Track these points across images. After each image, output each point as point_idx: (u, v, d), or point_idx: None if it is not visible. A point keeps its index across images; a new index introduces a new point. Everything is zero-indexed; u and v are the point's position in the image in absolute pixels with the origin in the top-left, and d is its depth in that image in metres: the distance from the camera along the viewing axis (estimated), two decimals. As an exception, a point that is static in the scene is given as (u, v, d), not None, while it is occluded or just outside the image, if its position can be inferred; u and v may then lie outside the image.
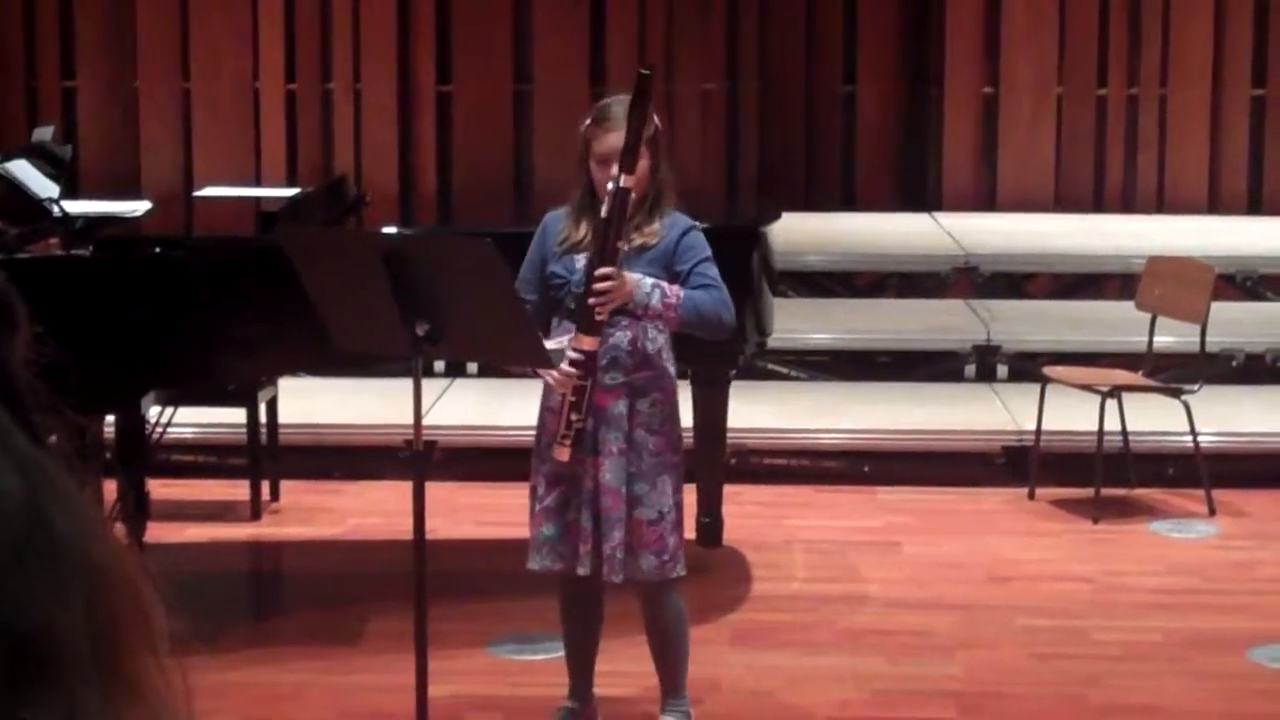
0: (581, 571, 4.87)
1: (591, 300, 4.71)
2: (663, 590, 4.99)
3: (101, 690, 0.90)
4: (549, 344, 4.77)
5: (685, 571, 5.06)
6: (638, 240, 4.83)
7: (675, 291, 4.78)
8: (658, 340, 4.90)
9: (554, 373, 4.75)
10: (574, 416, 4.73)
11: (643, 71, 4.81)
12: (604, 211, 4.71)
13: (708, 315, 4.81)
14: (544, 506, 4.92)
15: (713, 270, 4.85)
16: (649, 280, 4.77)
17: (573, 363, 4.72)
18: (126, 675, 0.92)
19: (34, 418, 0.94)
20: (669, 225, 4.86)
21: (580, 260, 4.80)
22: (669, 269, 4.83)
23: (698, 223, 4.96)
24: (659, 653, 5.11)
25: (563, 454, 4.76)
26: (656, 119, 4.90)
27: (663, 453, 4.90)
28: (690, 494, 6.68)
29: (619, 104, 4.82)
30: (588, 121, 4.90)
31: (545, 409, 4.94)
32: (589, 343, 4.73)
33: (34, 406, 0.95)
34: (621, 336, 4.84)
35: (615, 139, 4.74)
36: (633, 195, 4.71)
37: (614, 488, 4.84)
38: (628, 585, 4.95)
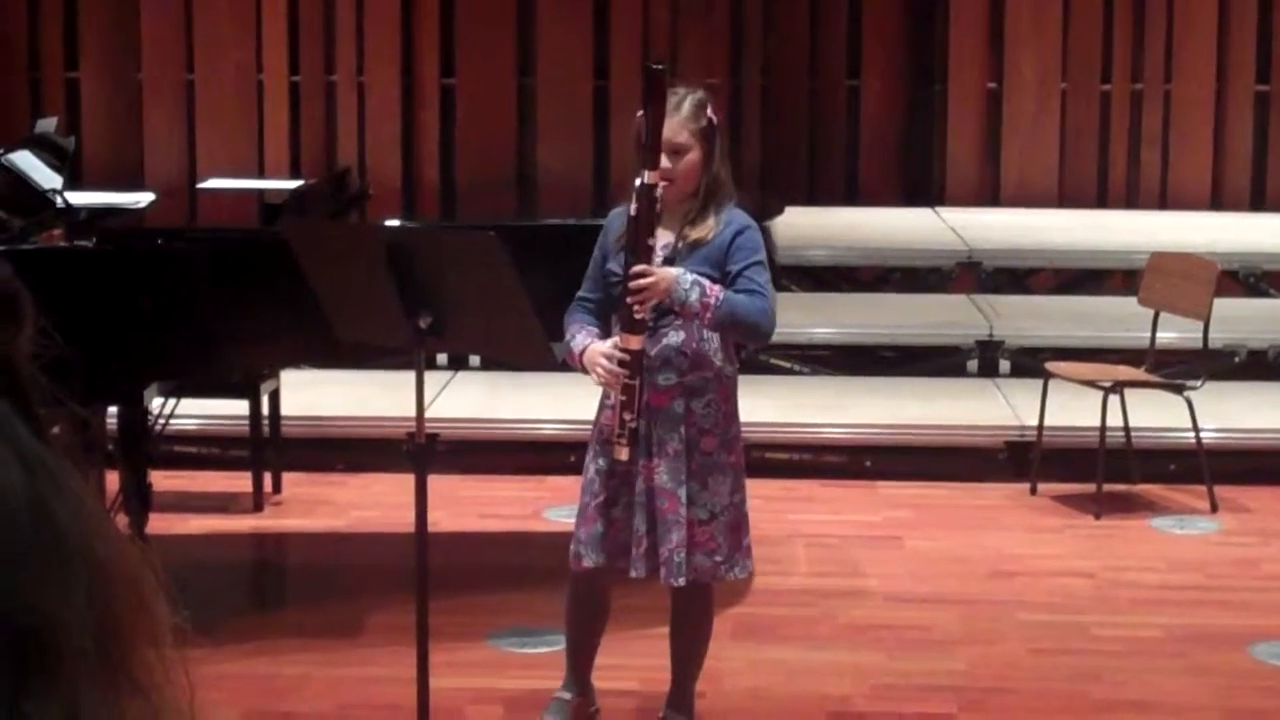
0: (635, 574, 4.84)
1: (629, 299, 4.68)
2: (699, 593, 4.96)
3: (104, 683, 0.90)
4: (604, 345, 4.72)
5: (742, 574, 5.01)
6: (691, 235, 4.77)
7: (715, 291, 4.70)
8: (713, 340, 4.82)
9: (599, 369, 4.71)
10: (627, 416, 4.68)
11: (654, 67, 4.78)
12: (632, 209, 4.68)
13: (744, 321, 4.73)
14: (598, 502, 4.86)
15: (762, 276, 4.76)
16: (690, 277, 4.70)
17: (620, 363, 4.69)
18: (128, 668, 0.92)
19: (38, 412, 0.94)
20: (726, 222, 4.78)
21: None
22: (720, 267, 4.75)
23: (754, 222, 4.87)
24: (679, 654, 5.07)
25: (622, 453, 4.71)
26: (712, 112, 4.82)
27: (715, 452, 4.84)
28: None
29: (675, 94, 4.76)
30: (639, 114, 4.81)
31: (604, 406, 4.89)
32: (634, 341, 4.68)
33: (38, 400, 0.95)
34: (674, 337, 4.79)
35: (667, 128, 4.68)
36: (660, 190, 4.67)
37: (670, 490, 4.79)
38: (634, 581, 4.93)
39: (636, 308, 4.66)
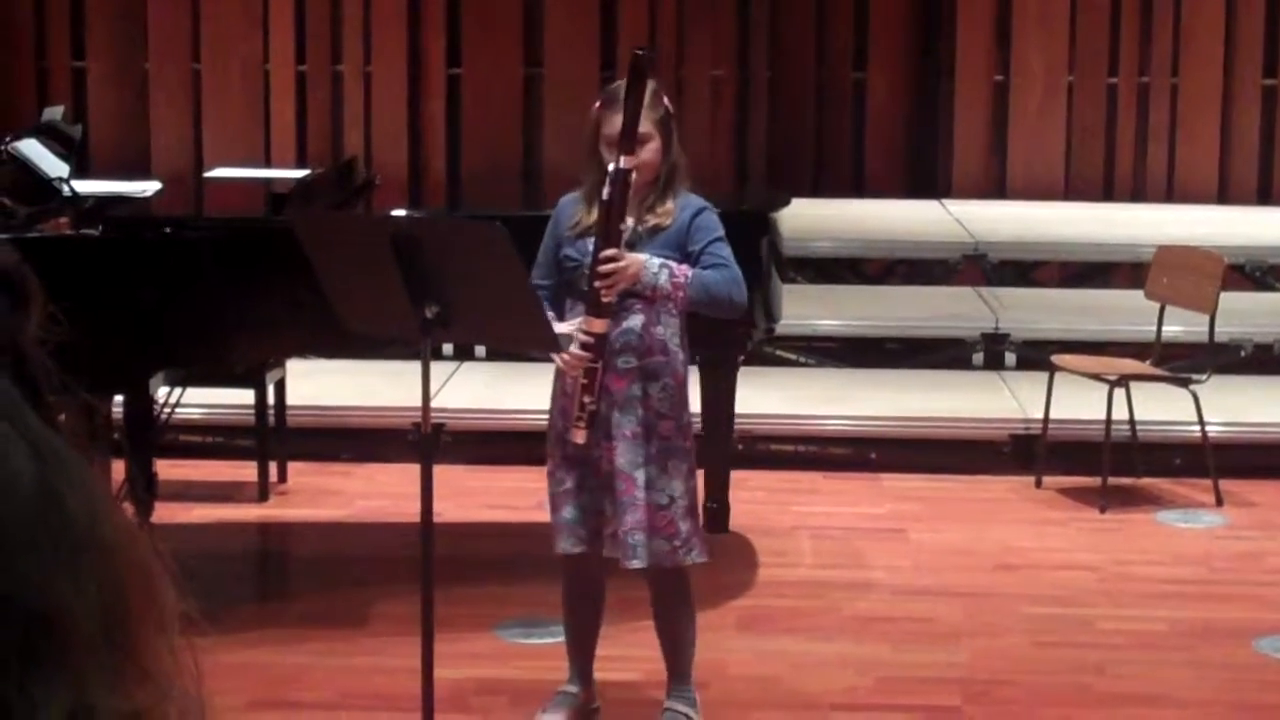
0: (608, 554, 4.88)
1: (597, 283, 4.72)
2: (672, 577, 4.99)
3: (112, 669, 0.90)
4: (563, 327, 4.77)
5: (704, 558, 5.04)
6: (651, 221, 4.84)
7: (684, 271, 4.79)
8: (670, 325, 4.90)
9: (565, 355, 4.76)
10: (587, 399, 4.75)
11: (637, 52, 4.85)
12: (605, 194, 4.72)
13: (717, 294, 4.81)
14: (564, 489, 4.92)
15: (725, 250, 4.85)
16: (656, 260, 4.78)
17: (583, 345, 4.74)
18: (136, 654, 0.92)
19: (47, 398, 0.94)
20: (682, 206, 4.87)
21: (592, 243, 4.81)
22: (682, 249, 4.83)
23: (708, 204, 4.96)
24: (666, 640, 5.11)
25: (579, 436, 4.78)
26: (668, 101, 4.91)
27: (672, 437, 4.91)
28: (697, 479, 6.70)
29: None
30: (598, 104, 4.90)
31: (559, 393, 4.94)
32: (599, 325, 4.74)
33: (47, 386, 0.95)
34: (634, 321, 4.85)
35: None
36: (634, 176, 4.73)
37: (627, 472, 4.85)
38: (633, 570, 4.95)
39: (604, 291, 4.70)
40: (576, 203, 4.92)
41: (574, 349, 4.76)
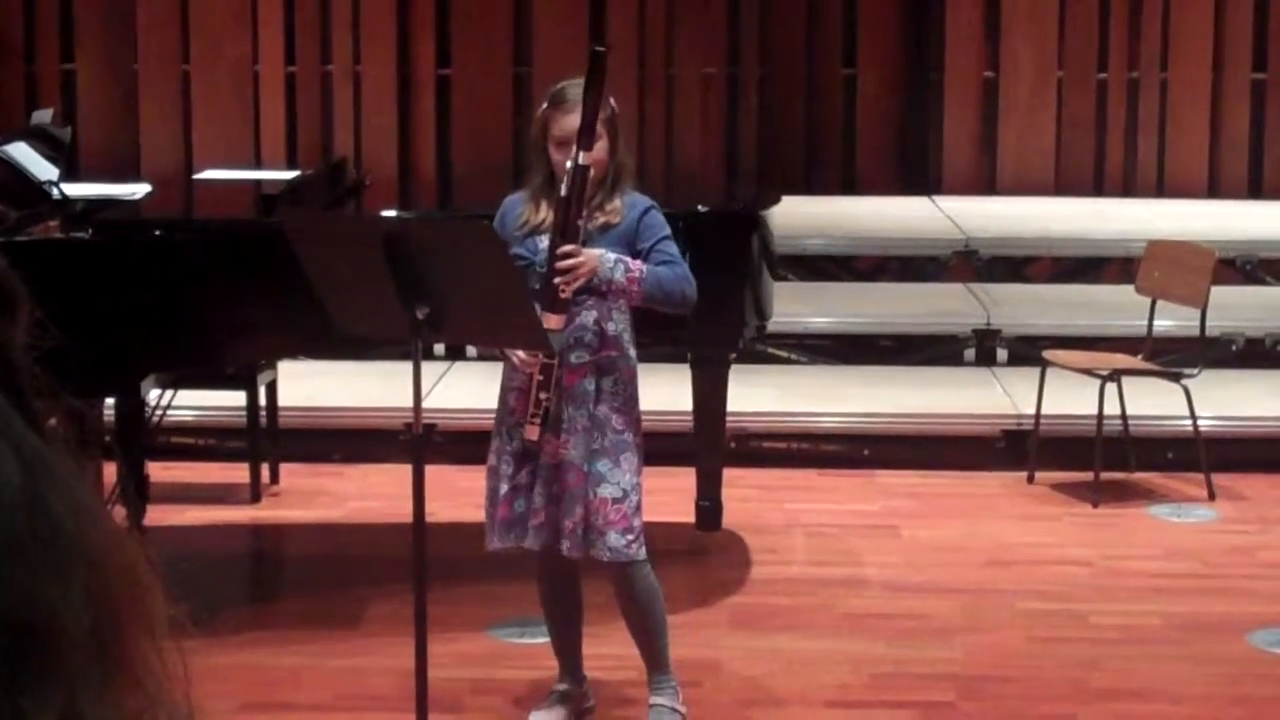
0: (528, 545, 4.90)
1: (556, 279, 4.76)
2: (633, 569, 5.00)
3: (101, 677, 0.90)
4: None
5: (644, 556, 5.05)
6: (600, 219, 4.90)
7: (638, 266, 4.85)
8: (620, 322, 4.95)
9: (519, 353, 4.80)
10: (543, 395, 4.80)
11: (597, 49, 4.88)
12: (563, 190, 4.77)
13: (670, 289, 4.87)
14: (515, 484, 4.93)
15: (673, 247, 4.94)
16: (611, 255, 4.83)
17: None
18: (124, 662, 0.92)
19: (34, 404, 0.94)
20: (630, 205, 4.94)
21: (543, 241, 4.85)
22: (631, 247, 4.90)
23: (654, 202, 5.02)
24: (637, 631, 5.11)
25: (532, 433, 4.83)
26: (613, 101, 4.96)
27: (625, 431, 4.94)
28: (689, 477, 6.72)
29: (575, 86, 4.89)
30: (544, 105, 4.94)
31: (509, 389, 4.96)
32: (555, 321, 4.79)
33: (34, 392, 0.94)
34: (587, 316, 4.90)
35: (572, 120, 4.82)
36: (592, 173, 4.75)
37: (576, 464, 4.88)
38: (607, 567, 4.96)
39: (563, 288, 4.74)
40: (523, 202, 4.97)
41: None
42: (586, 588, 5.19)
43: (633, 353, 5.01)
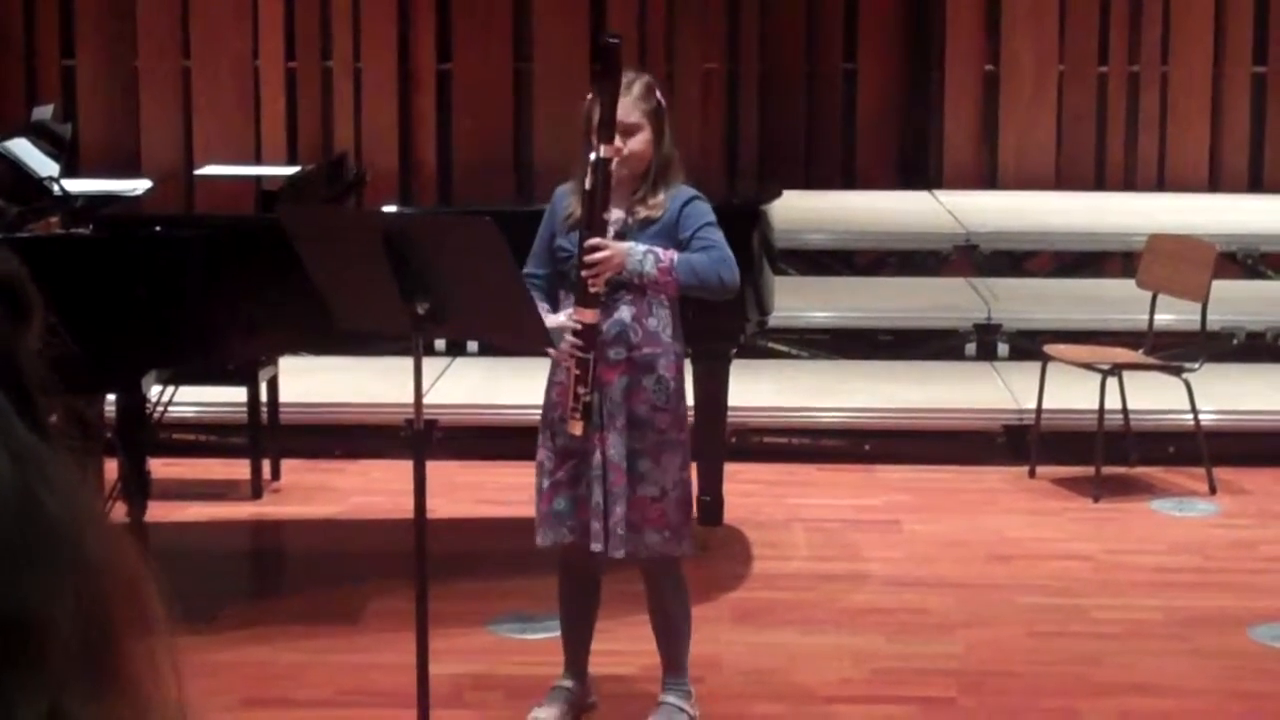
0: (596, 547, 4.87)
1: (583, 272, 4.72)
2: (666, 569, 4.99)
3: (90, 678, 0.89)
4: (558, 317, 4.77)
5: (692, 552, 5.05)
6: (642, 214, 4.84)
7: (669, 256, 4.78)
8: (661, 317, 4.89)
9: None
10: (580, 390, 4.74)
11: (609, 41, 4.84)
12: (587, 183, 4.73)
13: (705, 275, 4.79)
14: (555, 481, 4.91)
15: (715, 234, 4.84)
16: (641, 247, 4.77)
17: (574, 335, 4.74)
18: (116, 663, 0.91)
19: (39, 409, 0.94)
20: (673, 198, 4.86)
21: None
22: (673, 239, 4.83)
23: (700, 194, 4.95)
24: (661, 632, 5.10)
25: (576, 428, 4.77)
26: (660, 95, 4.90)
27: (667, 430, 4.90)
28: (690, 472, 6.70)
29: (625, 77, 4.83)
30: (590, 96, 4.89)
31: (553, 384, 4.93)
32: (588, 315, 4.75)
33: (40, 393, 0.94)
34: (625, 312, 4.84)
35: (622, 109, 4.75)
36: (614, 165, 4.72)
37: (616, 463, 4.84)
38: (628, 564, 4.95)
39: (591, 281, 4.70)
40: (571, 194, 4.91)
41: (567, 339, 4.76)
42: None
43: (678, 348, 4.95)
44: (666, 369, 4.91)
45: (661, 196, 4.86)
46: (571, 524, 4.91)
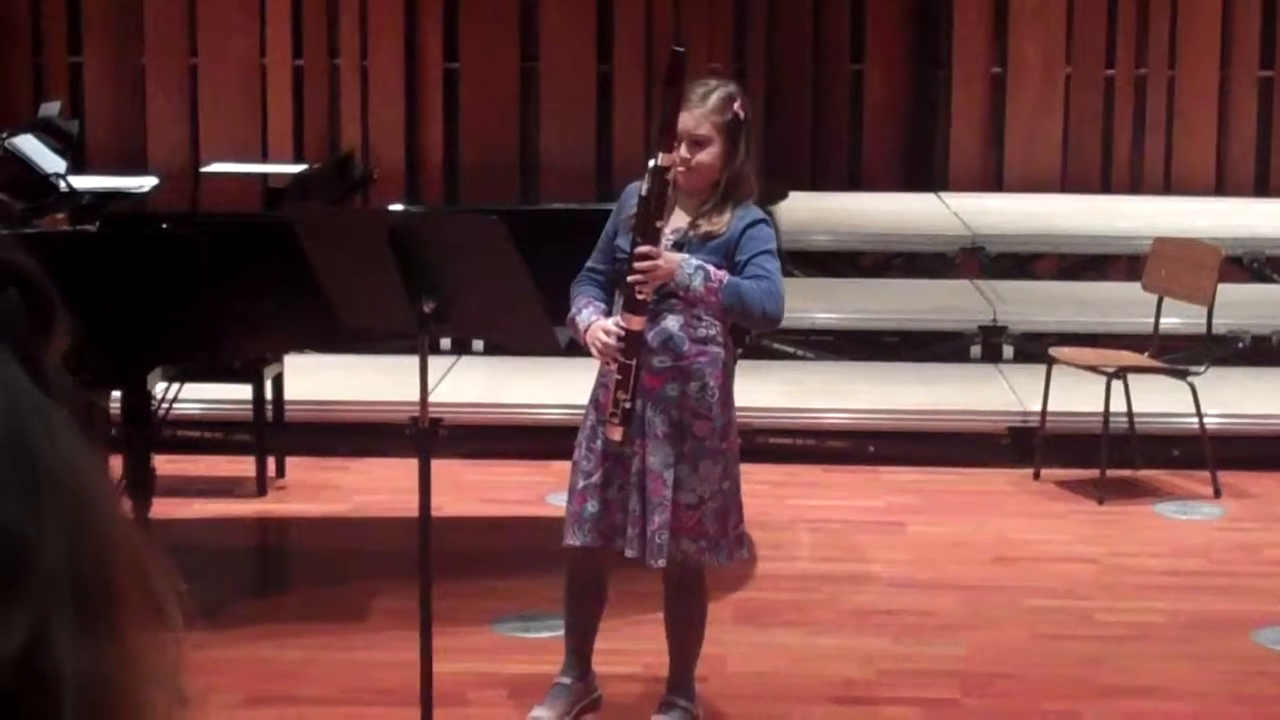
0: (630, 553, 4.85)
1: (631, 279, 4.69)
2: (692, 577, 4.97)
3: (81, 624, 0.90)
4: (605, 322, 4.73)
5: (728, 562, 5.00)
6: (704, 228, 4.77)
7: (720, 276, 4.70)
8: (709, 326, 4.84)
9: (597, 342, 4.73)
10: (621, 395, 4.70)
11: (676, 50, 4.77)
12: (643, 190, 4.68)
13: (750, 304, 4.71)
14: (590, 483, 4.88)
15: (770, 263, 4.76)
16: (694, 261, 4.71)
17: (619, 339, 4.70)
18: (113, 620, 0.91)
19: (60, 397, 0.94)
20: (740, 217, 4.79)
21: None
22: (730, 258, 4.76)
23: (767, 217, 4.88)
24: (675, 637, 5.08)
25: (615, 433, 4.73)
26: (740, 108, 4.80)
27: (707, 438, 4.85)
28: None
29: (703, 85, 4.78)
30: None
31: (600, 386, 4.90)
32: (635, 322, 4.69)
33: (61, 389, 0.95)
34: (672, 321, 4.80)
35: (689, 118, 4.70)
36: (672, 174, 4.67)
37: (657, 471, 4.81)
38: (636, 564, 4.94)
39: (639, 289, 4.67)
40: (638, 193, 4.80)
41: (610, 340, 4.71)
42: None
43: (724, 359, 4.89)
44: (713, 377, 4.85)
45: (728, 215, 4.77)
46: (602, 527, 4.89)
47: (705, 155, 4.73)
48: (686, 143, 4.71)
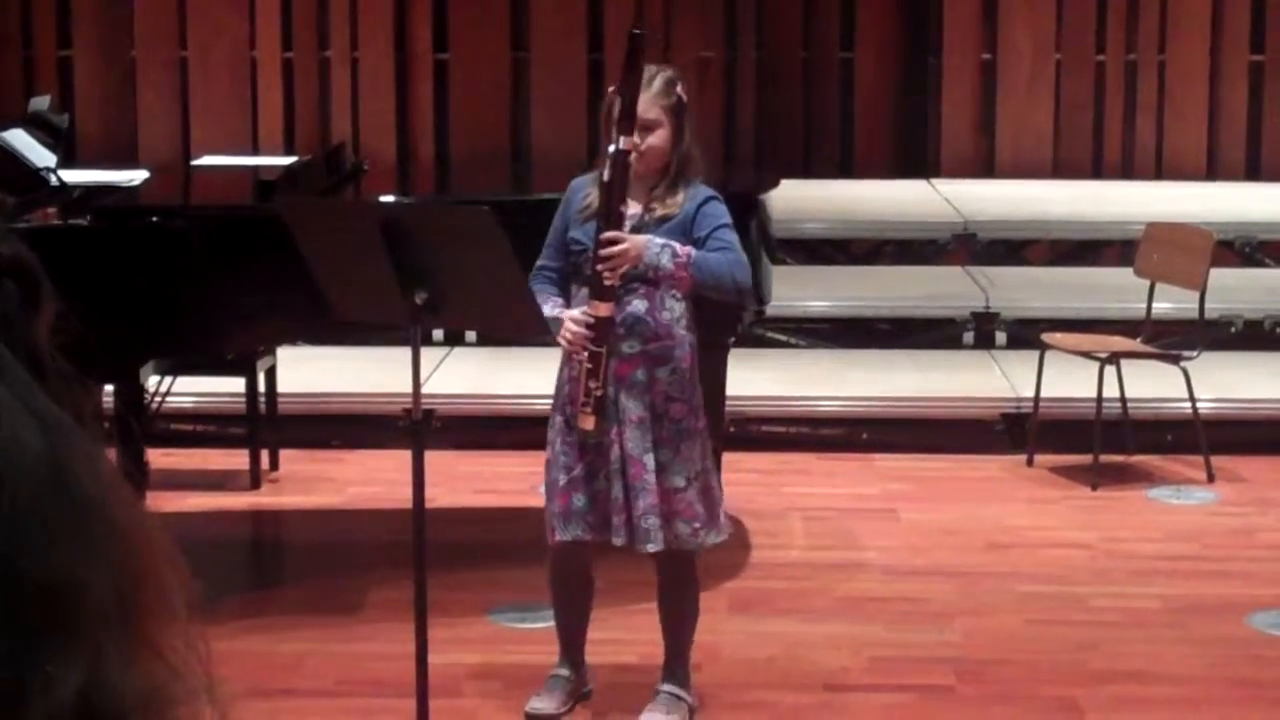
0: (618, 541, 4.86)
1: (600, 265, 4.70)
2: (683, 562, 4.98)
3: (124, 646, 0.90)
4: (571, 312, 4.76)
5: (721, 538, 5.03)
6: (659, 211, 4.83)
7: (686, 251, 4.76)
8: (675, 309, 4.87)
9: (566, 334, 4.75)
10: (592, 384, 4.72)
11: (634, 32, 4.82)
12: (605, 175, 4.71)
13: (720, 275, 4.78)
14: (574, 477, 4.88)
15: (730, 235, 4.83)
16: (658, 241, 4.76)
17: (587, 329, 4.72)
18: (148, 634, 0.92)
19: (56, 389, 0.94)
20: (691, 196, 4.85)
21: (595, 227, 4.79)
22: (688, 237, 4.81)
23: (718, 194, 4.93)
24: (668, 624, 5.10)
25: (587, 423, 4.75)
26: (682, 91, 4.87)
27: (684, 419, 4.88)
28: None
29: (646, 71, 4.80)
30: (612, 89, 4.86)
31: (567, 378, 4.92)
32: (603, 309, 4.72)
33: (55, 379, 0.95)
34: (639, 305, 4.83)
35: (641, 105, 4.73)
36: (634, 158, 4.70)
37: (636, 456, 4.82)
38: (625, 553, 4.95)
39: (607, 274, 4.70)
40: (588, 185, 4.89)
41: (574, 327, 4.73)
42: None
43: (691, 339, 4.93)
44: (682, 359, 4.90)
45: (680, 195, 4.83)
46: (591, 519, 4.89)
47: (655, 139, 4.79)
48: (637, 128, 4.75)
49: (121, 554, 0.91)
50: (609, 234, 4.70)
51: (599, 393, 4.73)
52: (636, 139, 4.75)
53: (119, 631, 0.90)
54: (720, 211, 4.86)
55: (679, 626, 5.09)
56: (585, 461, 4.87)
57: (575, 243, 4.85)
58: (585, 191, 4.88)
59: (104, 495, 0.91)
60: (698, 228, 4.82)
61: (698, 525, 4.90)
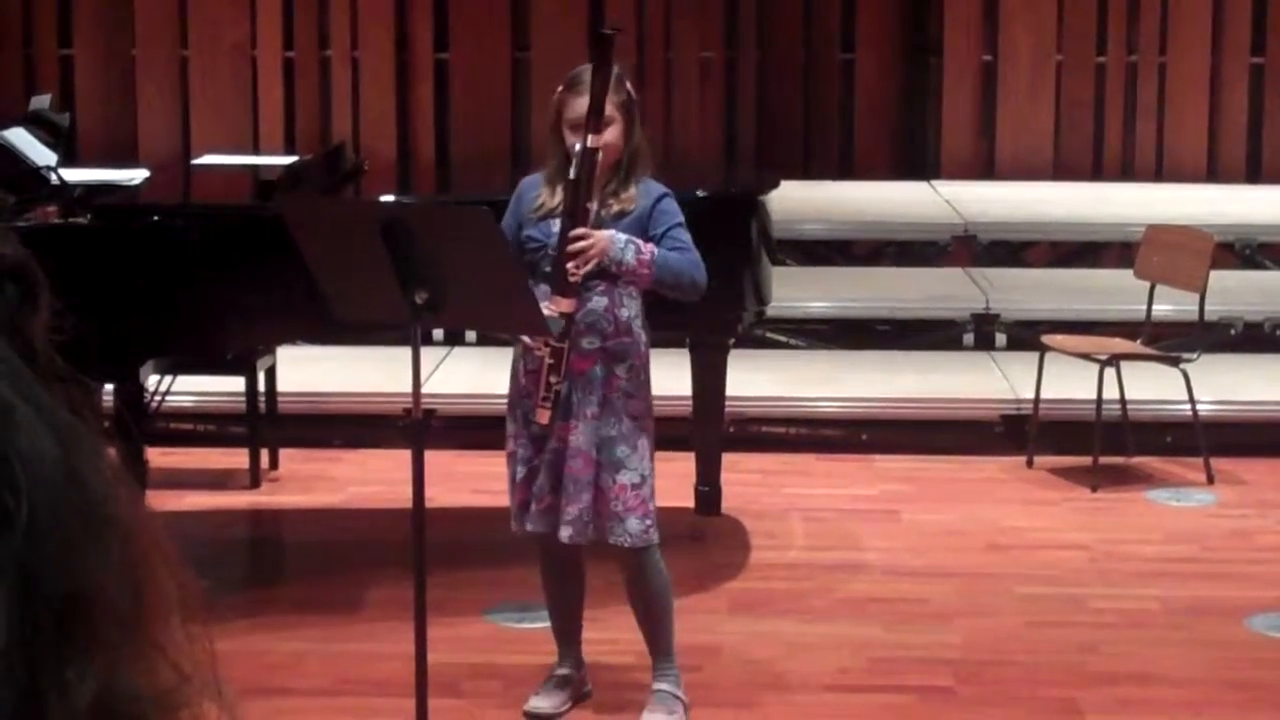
0: (564, 533, 4.89)
1: (568, 262, 4.74)
2: (647, 555, 5.01)
3: (138, 650, 0.90)
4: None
5: (657, 538, 5.06)
6: (615, 206, 4.89)
7: (649, 249, 4.84)
8: (632, 307, 4.95)
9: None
10: (553, 379, 4.80)
11: (603, 32, 4.89)
12: (572, 173, 4.77)
13: (680, 273, 4.85)
14: (532, 468, 4.93)
15: (685, 235, 4.92)
16: (623, 237, 4.83)
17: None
18: (156, 636, 0.92)
19: (55, 388, 0.95)
20: (644, 193, 4.92)
21: (556, 225, 4.84)
22: (644, 233, 4.88)
23: (669, 190, 5.01)
24: (645, 617, 5.12)
25: (543, 417, 4.82)
26: (630, 87, 4.95)
27: (640, 417, 4.95)
28: (689, 462, 6.72)
29: (590, 70, 4.84)
30: (560, 89, 4.92)
31: (523, 373, 4.95)
32: (565, 304, 4.79)
33: (54, 377, 0.95)
34: (598, 301, 4.89)
35: (586, 103, 4.78)
36: (600, 156, 4.75)
37: (585, 450, 4.87)
38: (613, 551, 4.96)
39: (573, 270, 4.72)
40: (538, 185, 4.97)
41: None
42: (586, 572, 5.19)
43: (645, 338, 4.99)
44: (637, 357, 4.96)
45: (633, 190, 4.91)
46: (545, 510, 4.92)
47: (610, 135, 4.83)
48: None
49: (132, 558, 0.91)
50: (577, 230, 4.76)
51: (559, 388, 4.78)
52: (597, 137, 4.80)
53: (132, 635, 0.90)
54: (674, 210, 4.94)
55: (657, 623, 5.11)
56: (543, 455, 4.90)
57: (530, 240, 4.92)
58: (537, 190, 4.95)
59: (113, 499, 0.92)
60: (654, 225, 4.90)
61: (649, 524, 4.94)
